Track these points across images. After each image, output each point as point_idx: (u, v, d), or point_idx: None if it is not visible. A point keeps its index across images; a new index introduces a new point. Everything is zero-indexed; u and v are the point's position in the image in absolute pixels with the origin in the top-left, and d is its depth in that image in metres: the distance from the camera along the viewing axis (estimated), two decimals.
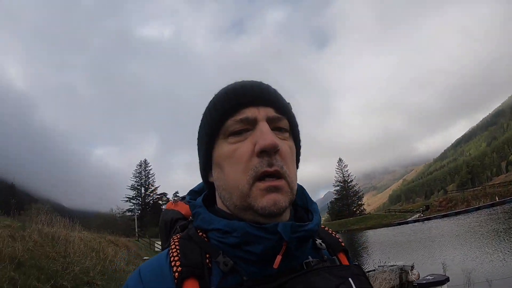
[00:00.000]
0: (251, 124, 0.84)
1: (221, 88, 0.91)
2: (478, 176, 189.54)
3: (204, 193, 1.00)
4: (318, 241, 0.94)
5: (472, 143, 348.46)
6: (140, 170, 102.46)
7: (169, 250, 0.86)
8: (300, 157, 0.97)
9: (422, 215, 64.79)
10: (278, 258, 0.78)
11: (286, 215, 0.86)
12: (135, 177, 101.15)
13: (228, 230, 0.82)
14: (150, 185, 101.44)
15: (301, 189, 0.97)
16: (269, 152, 0.80)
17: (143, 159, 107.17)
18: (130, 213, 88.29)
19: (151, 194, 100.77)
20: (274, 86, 0.90)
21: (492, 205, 52.60)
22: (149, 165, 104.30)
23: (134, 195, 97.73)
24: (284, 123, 0.88)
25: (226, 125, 0.85)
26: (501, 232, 25.58)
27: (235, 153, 0.83)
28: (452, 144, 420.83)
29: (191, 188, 1.12)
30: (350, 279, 0.77)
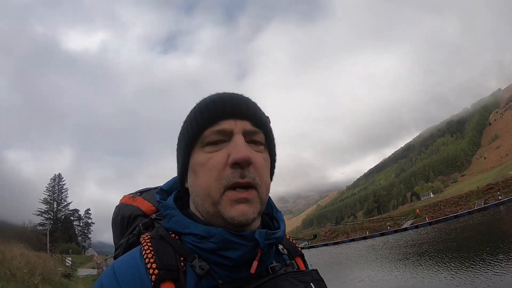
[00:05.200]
0: (228, 135, 0.88)
1: (202, 99, 0.94)
2: (384, 205, 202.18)
3: (175, 193, 1.02)
4: (280, 246, 1.01)
5: (382, 174, 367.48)
6: (53, 184, 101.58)
7: (141, 250, 0.88)
8: (275, 170, 1.01)
9: (308, 243, 72.07)
10: (255, 263, 0.83)
11: (256, 223, 0.90)
12: (48, 191, 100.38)
13: (205, 235, 0.84)
14: (62, 200, 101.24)
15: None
16: (242, 164, 0.84)
17: (57, 173, 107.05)
18: (41, 227, 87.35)
19: (63, 210, 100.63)
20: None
21: (364, 238, 60.78)
22: (63, 179, 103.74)
23: (46, 209, 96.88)
24: (260, 137, 0.92)
25: (204, 135, 0.89)
26: (371, 261, 29.98)
27: (210, 162, 0.86)
28: (364, 174, 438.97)
29: (160, 186, 1.08)
30: (311, 284, 0.85)
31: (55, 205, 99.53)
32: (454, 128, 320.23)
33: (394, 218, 73.06)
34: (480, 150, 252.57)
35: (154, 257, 0.84)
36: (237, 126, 0.88)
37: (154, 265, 0.82)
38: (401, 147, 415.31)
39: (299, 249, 1.08)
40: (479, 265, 16.24)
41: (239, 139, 0.87)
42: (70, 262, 48.45)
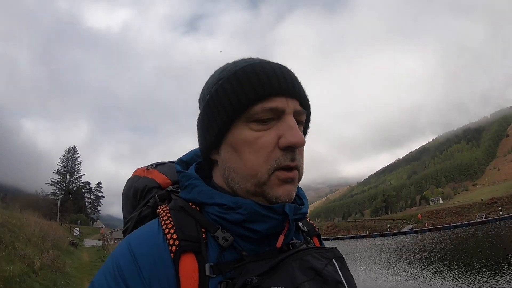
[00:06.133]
0: (278, 114, 0.81)
1: (243, 61, 0.87)
2: (392, 205, 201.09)
3: (196, 164, 0.96)
4: (301, 224, 0.98)
5: (394, 174, 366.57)
6: (68, 156, 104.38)
7: (159, 221, 0.83)
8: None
9: None
10: (281, 237, 0.80)
11: None
12: (62, 162, 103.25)
13: (233, 206, 0.81)
14: (75, 172, 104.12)
15: None
16: (293, 148, 0.81)
17: (72, 146, 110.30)
18: (52, 197, 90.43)
19: (75, 181, 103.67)
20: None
21: (364, 237, 61.94)
22: (77, 152, 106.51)
23: (59, 179, 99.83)
24: (303, 117, 0.88)
25: (253, 110, 0.80)
26: (356, 260, 29.72)
27: (258, 141, 0.81)
28: (376, 172, 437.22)
29: (179, 157, 1.03)
30: (334, 260, 0.80)
31: (67, 176, 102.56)
32: (471, 135, 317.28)
33: (396, 221, 73.76)
34: (495, 161, 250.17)
35: (174, 227, 0.79)
36: (289, 105, 0.82)
37: (174, 236, 0.77)
38: (416, 149, 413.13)
39: (316, 229, 1.05)
40: (445, 280, 17.04)
41: (292, 121, 0.82)
42: (78, 232, 50.83)
